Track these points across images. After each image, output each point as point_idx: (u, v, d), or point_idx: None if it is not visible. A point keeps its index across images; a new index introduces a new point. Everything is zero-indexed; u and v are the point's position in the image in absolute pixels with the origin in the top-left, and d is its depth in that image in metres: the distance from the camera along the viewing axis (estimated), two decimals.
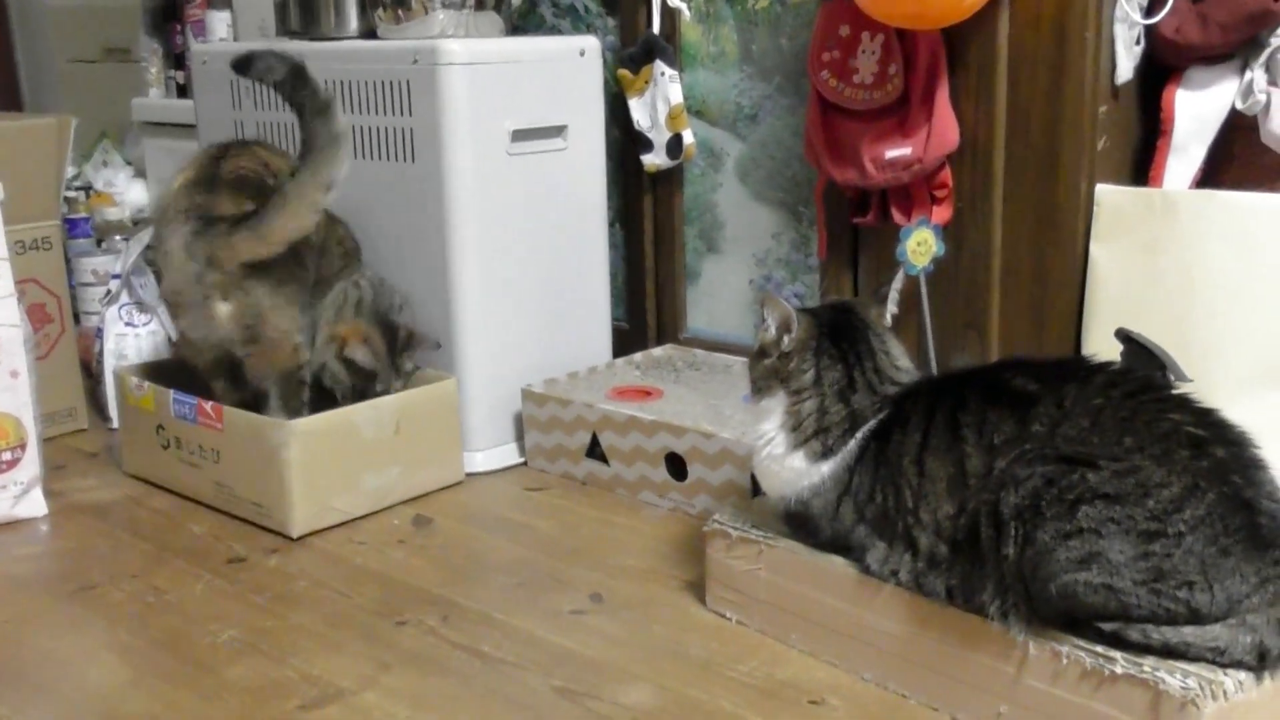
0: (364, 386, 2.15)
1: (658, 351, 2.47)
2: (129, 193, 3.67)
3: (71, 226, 3.33)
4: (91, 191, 3.67)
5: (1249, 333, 1.81)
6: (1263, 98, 1.85)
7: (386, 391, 2.14)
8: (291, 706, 1.51)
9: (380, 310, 2.19)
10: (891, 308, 1.62)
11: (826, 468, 1.53)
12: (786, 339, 1.55)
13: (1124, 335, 1.71)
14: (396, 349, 2.17)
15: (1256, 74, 1.86)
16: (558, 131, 2.31)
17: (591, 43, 2.35)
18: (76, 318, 3.24)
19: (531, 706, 1.50)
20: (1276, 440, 1.72)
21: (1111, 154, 1.95)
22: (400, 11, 2.36)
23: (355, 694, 1.54)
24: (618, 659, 1.61)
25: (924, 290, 2.01)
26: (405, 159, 2.23)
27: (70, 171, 3.82)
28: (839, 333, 1.57)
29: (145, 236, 2.93)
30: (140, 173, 3.73)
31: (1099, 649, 1.30)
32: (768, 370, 1.58)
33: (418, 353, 2.20)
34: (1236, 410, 1.36)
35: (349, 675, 1.58)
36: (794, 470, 1.55)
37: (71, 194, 3.54)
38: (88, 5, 4.34)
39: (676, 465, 2.05)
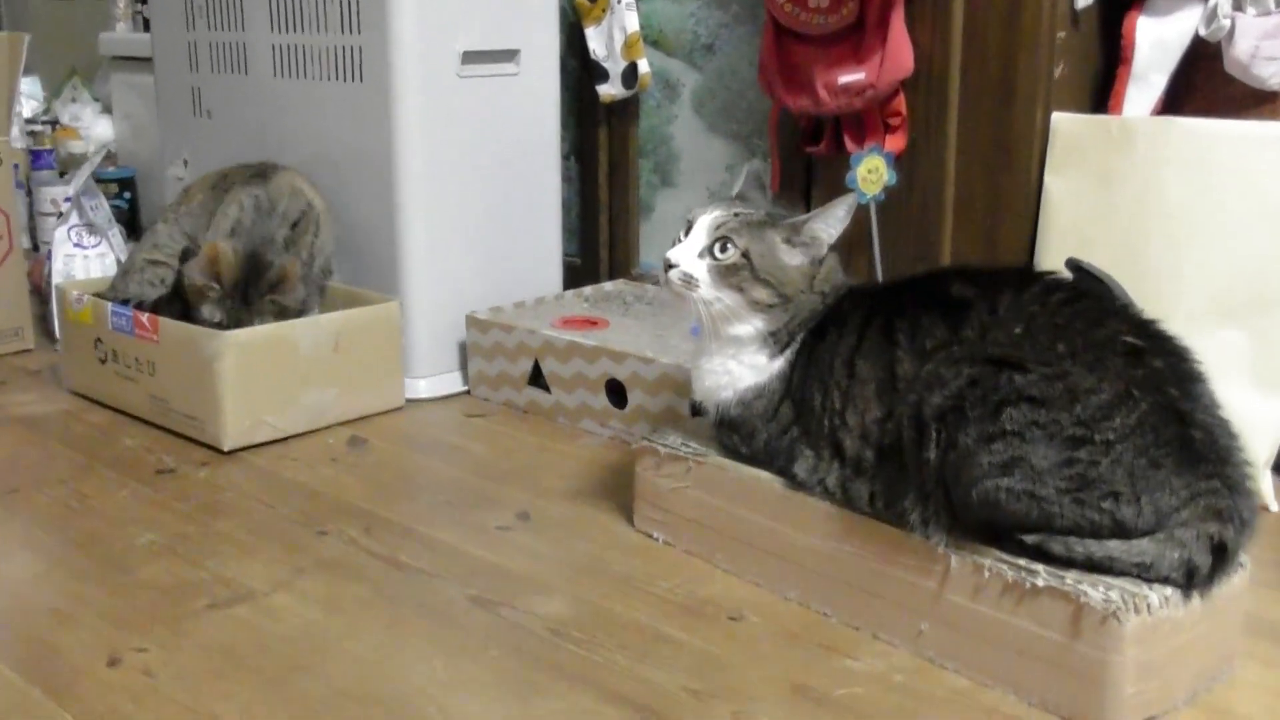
0: (199, 307, 2.03)
1: (608, 286, 2.43)
2: (94, 128, 3.63)
3: (35, 158, 3.31)
4: (58, 125, 3.63)
5: (1204, 266, 1.76)
6: (1226, 23, 1.81)
7: (224, 325, 2.00)
8: (200, 605, 1.47)
9: (254, 238, 2.10)
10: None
11: (778, 365, 1.48)
12: (826, 245, 1.49)
13: (1074, 265, 1.67)
14: (256, 282, 2.04)
15: None
16: (510, 56, 2.26)
17: None
18: (36, 246, 3.21)
19: (443, 612, 1.47)
20: (1227, 375, 1.71)
21: (1070, 82, 1.91)
22: None
23: (266, 595, 1.50)
24: (537, 572, 1.57)
25: (874, 220, 1.97)
26: (353, 79, 2.19)
27: (40, 106, 3.79)
28: None
29: (97, 159, 2.90)
30: (108, 108, 3.69)
31: (1021, 562, 1.26)
32: (804, 276, 1.48)
33: (283, 299, 2.05)
34: (1191, 346, 1.31)
35: (262, 579, 1.54)
36: (752, 367, 1.49)
37: (38, 128, 3.51)
38: None
39: (617, 393, 2.01)
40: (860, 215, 1.98)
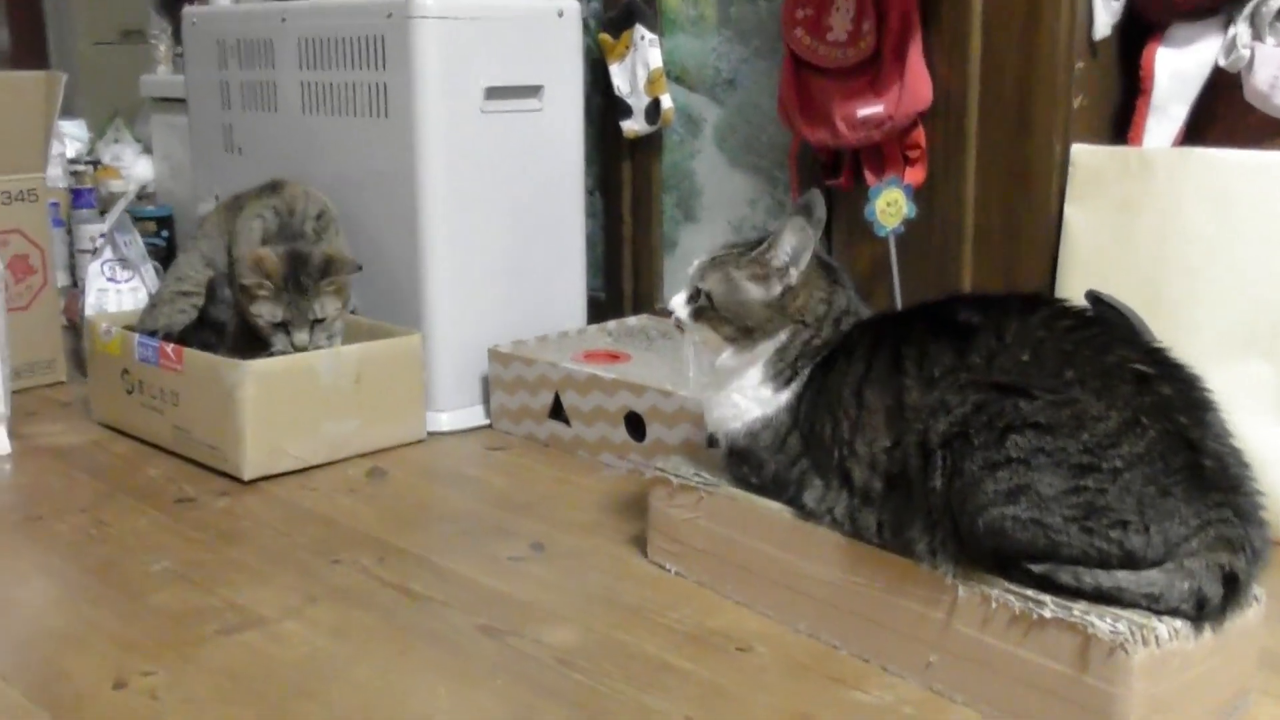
0: (256, 309, 2.06)
1: (632, 320, 2.43)
2: (135, 168, 3.69)
3: (76, 196, 3.36)
4: (99, 165, 3.69)
5: (1224, 297, 1.74)
6: (1246, 53, 1.80)
7: (288, 322, 2.06)
8: (209, 630, 1.48)
9: (286, 238, 2.13)
10: None
11: (785, 396, 1.48)
12: (794, 271, 1.47)
13: (1094, 297, 1.66)
14: (307, 270, 2.06)
15: (1240, 28, 1.80)
16: (533, 92, 2.28)
17: (570, 4, 2.32)
18: (75, 283, 3.26)
19: (450, 641, 1.46)
20: (1248, 406, 1.69)
21: (1090, 113, 1.90)
22: None
23: (276, 622, 1.50)
24: (547, 602, 1.56)
25: (893, 252, 1.96)
26: (379, 114, 2.21)
27: (84, 147, 3.86)
28: (822, 262, 1.52)
29: (130, 196, 2.94)
30: (148, 149, 3.75)
31: (1029, 593, 1.24)
32: (771, 309, 1.48)
33: (340, 276, 2.10)
34: (1210, 378, 1.29)
35: (273, 605, 1.55)
36: (757, 399, 1.49)
37: (81, 168, 3.58)
38: None
39: (636, 426, 2.01)
40: (880, 247, 1.98)
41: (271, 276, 2.03)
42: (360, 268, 2.13)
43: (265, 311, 2.05)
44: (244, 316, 2.09)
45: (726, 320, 1.49)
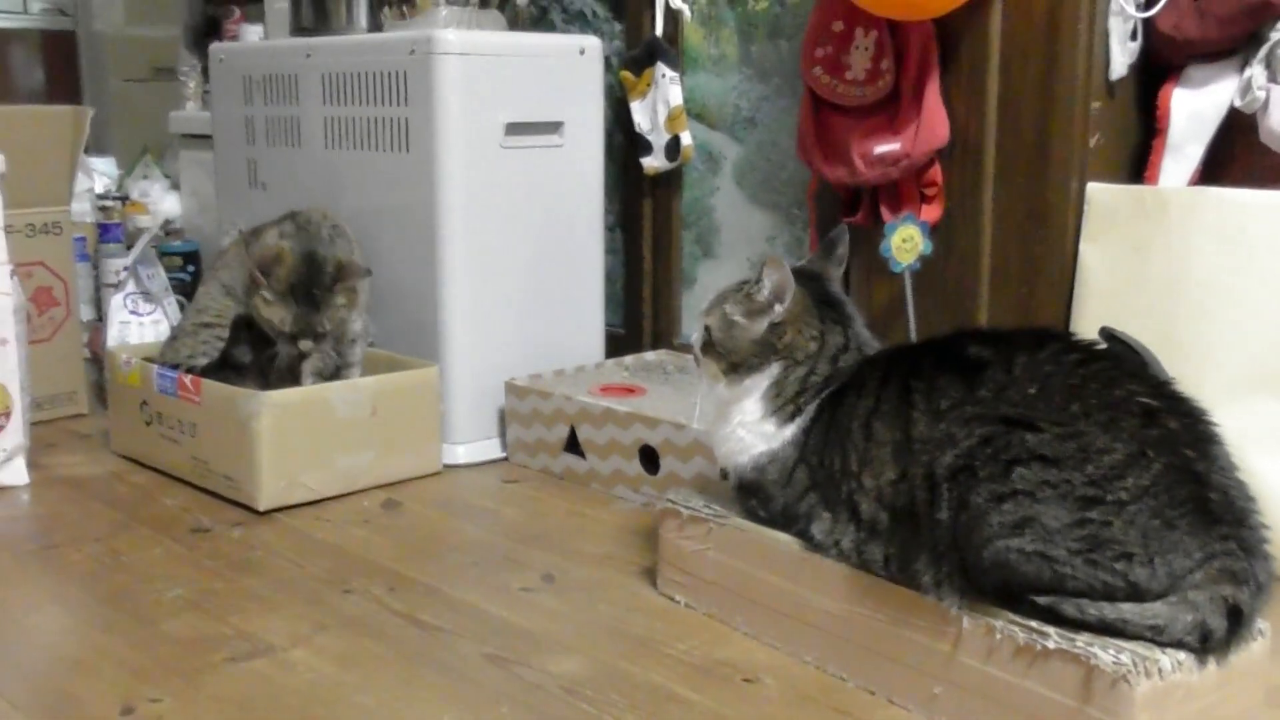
0: (262, 310, 2.09)
1: (650, 355, 2.44)
2: (162, 203, 3.74)
3: (104, 231, 3.40)
4: (127, 201, 3.74)
5: (1238, 335, 1.74)
6: (1261, 95, 1.80)
7: (294, 331, 2.08)
8: (219, 658, 1.49)
9: (304, 242, 2.14)
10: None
11: (789, 431, 1.48)
12: (778, 307, 1.49)
13: (1108, 334, 1.66)
14: (324, 283, 2.09)
15: (1256, 70, 1.81)
16: (554, 128, 2.30)
17: (592, 42, 2.35)
18: (101, 317, 3.30)
19: (458, 670, 1.46)
20: (1262, 444, 1.68)
21: (1107, 152, 1.90)
22: (405, 8, 2.38)
23: (285, 650, 1.51)
24: (556, 632, 1.56)
25: (909, 289, 1.96)
26: (400, 149, 2.24)
27: (112, 183, 3.91)
28: (825, 298, 1.54)
29: (154, 230, 2.98)
30: (176, 185, 3.80)
31: (1033, 624, 1.24)
32: (757, 345, 1.50)
33: (350, 280, 2.11)
34: (1223, 416, 1.29)
35: (283, 634, 1.55)
36: (760, 434, 1.50)
37: (109, 203, 3.62)
38: (140, 30, 4.47)
39: (650, 459, 2.02)
40: (897, 284, 1.98)
41: (273, 277, 2.05)
42: (370, 272, 2.17)
43: (274, 317, 2.07)
44: (254, 322, 2.12)
45: (721, 355, 1.53)
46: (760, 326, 1.50)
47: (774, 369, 1.50)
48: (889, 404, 1.38)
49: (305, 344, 2.08)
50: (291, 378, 2.14)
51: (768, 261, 1.48)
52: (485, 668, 1.47)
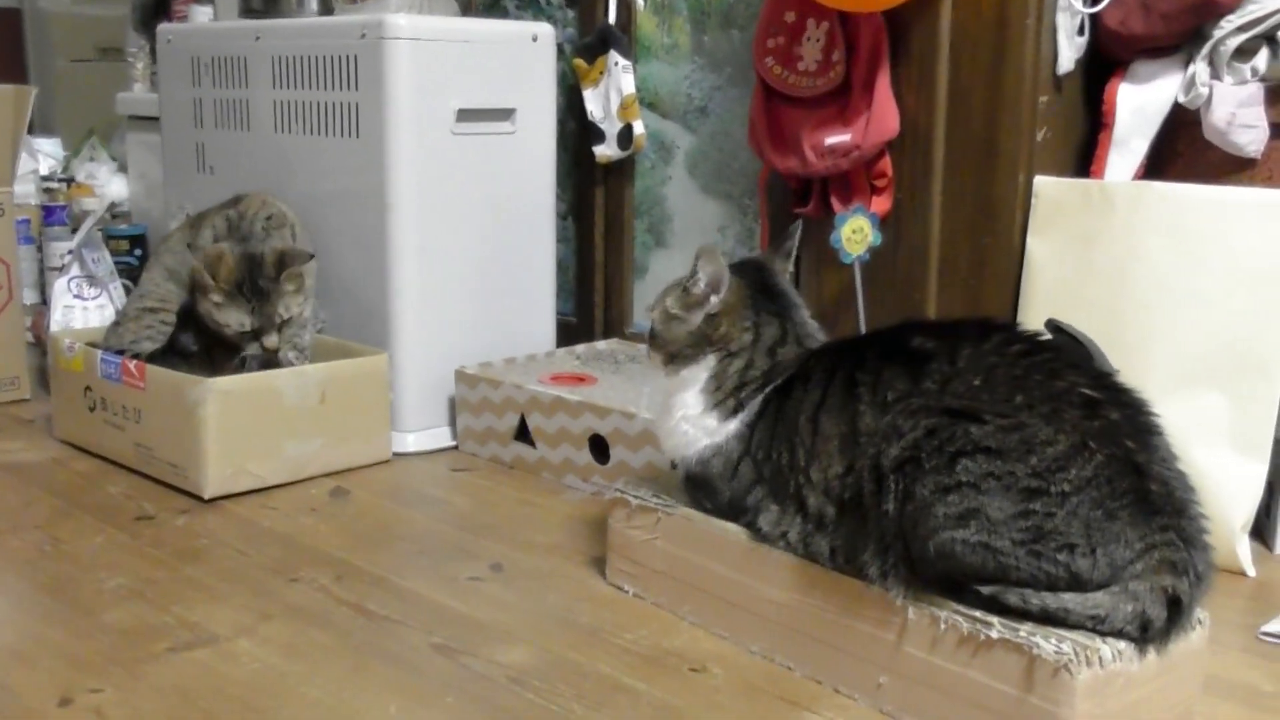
0: (212, 313, 2.06)
1: (601, 344, 2.44)
2: (109, 186, 3.69)
3: (48, 214, 3.35)
4: (73, 183, 3.69)
5: (1184, 329, 1.76)
6: (1205, 91, 1.82)
7: (252, 328, 2.06)
8: (160, 648, 1.47)
9: (238, 237, 2.14)
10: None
11: (733, 425, 1.49)
12: (714, 299, 1.50)
13: (1054, 326, 1.67)
14: (262, 273, 2.06)
15: (1199, 66, 1.83)
16: (506, 115, 2.29)
17: (545, 29, 2.34)
18: (45, 300, 3.25)
19: (404, 660, 1.46)
20: (1206, 438, 1.70)
21: (1054, 146, 1.92)
22: None
23: (229, 640, 1.50)
24: (504, 622, 1.56)
25: (859, 280, 1.97)
26: (350, 134, 2.22)
27: (58, 165, 3.86)
28: (765, 289, 1.54)
29: (100, 213, 2.94)
30: (123, 167, 3.74)
31: (977, 614, 1.25)
32: (693, 336, 1.51)
33: (295, 267, 2.09)
34: (1166, 408, 1.31)
35: (227, 624, 1.54)
36: (703, 428, 1.51)
37: (54, 185, 3.57)
38: (87, 9, 4.41)
39: (600, 448, 2.01)
40: (847, 275, 1.99)
41: (218, 278, 2.03)
42: (313, 255, 2.15)
43: (232, 320, 2.05)
44: (203, 323, 2.09)
45: (658, 346, 1.54)
46: (697, 318, 1.51)
47: (710, 360, 1.51)
48: (835, 397, 1.39)
49: (270, 340, 2.07)
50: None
51: (701, 253, 1.49)
52: (432, 657, 1.46)
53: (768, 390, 1.48)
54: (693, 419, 1.52)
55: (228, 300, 2.04)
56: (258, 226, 2.16)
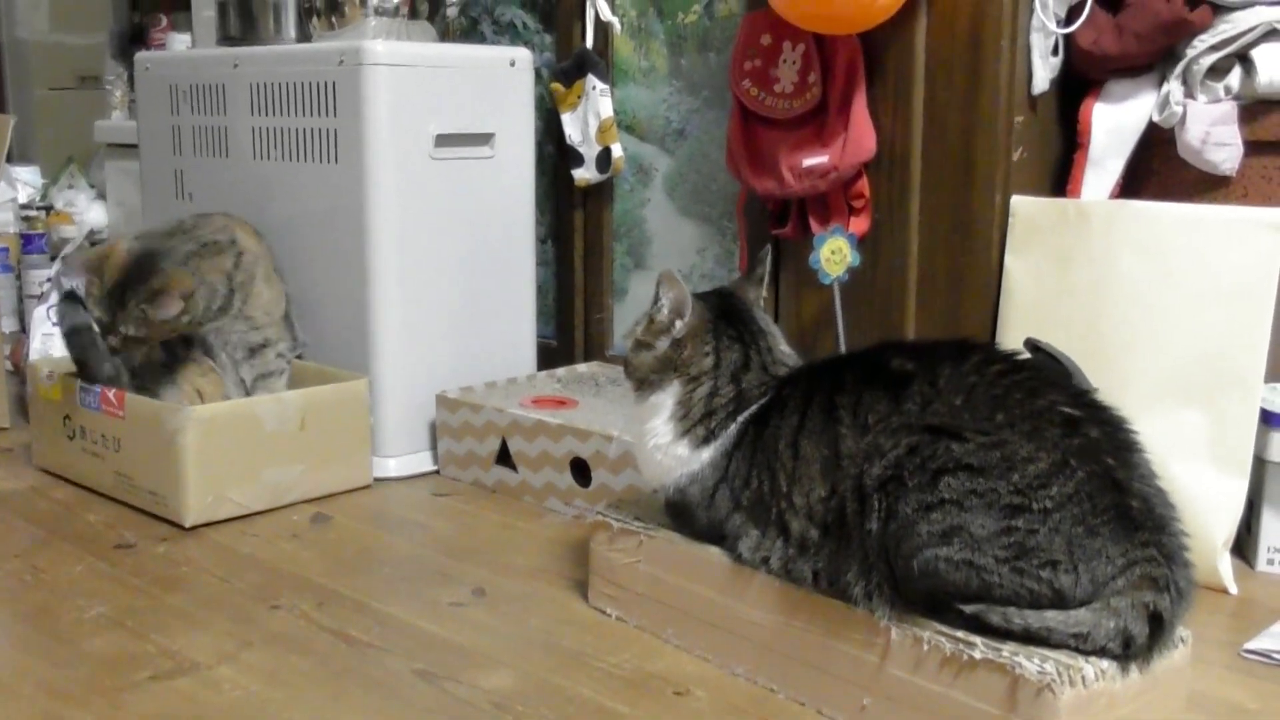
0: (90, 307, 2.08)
1: (582, 367, 2.44)
2: (88, 213, 3.68)
3: (27, 242, 3.35)
4: (51, 210, 3.68)
5: (1161, 346, 1.77)
6: (1179, 110, 1.84)
7: (102, 325, 2.06)
8: (142, 677, 1.46)
9: (154, 243, 2.12)
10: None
11: (707, 454, 1.49)
12: (679, 324, 1.50)
13: (1032, 345, 1.68)
14: (136, 287, 2.03)
15: (1173, 85, 1.84)
16: (484, 140, 2.29)
17: (523, 54, 2.34)
18: (24, 329, 3.24)
19: (387, 686, 1.45)
20: (1185, 455, 1.71)
21: (1030, 166, 1.93)
22: (334, 19, 2.36)
23: (210, 668, 1.49)
24: (486, 647, 1.56)
25: (838, 301, 1.98)
26: (329, 160, 2.22)
27: (37, 193, 3.85)
28: (729, 315, 1.54)
29: (79, 241, 2.93)
30: (102, 195, 3.74)
31: (960, 634, 1.25)
32: (659, 362, 1.52)
33: (162, 313, 2.03)
34: (1144, 425, 1.31)
35: (208, 651, 1.53)
36: (676, 458, 1.50)
37: (33, 213, 3.56)
38: (65, 38, 4.40)
39: (582, 472, 2.01)
40: (826, 296, 2.00)
41: (102, 277, 2.04)
42: (189, 294, 2.06)
43: (95, 310, 2.06)
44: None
45: (631, 374, 1.56)
46: (664, 344, 1.51)
47: (675, 387, 1.51)
48: (815, 421, 1.39)
49: (112, 340, 2.06)
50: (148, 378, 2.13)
51: (663, 278, 1.50)
52: (415, 683, 1.46)
53: (742, 418, 1.48)
54: (664, 448, 1.51)
55: (101, 294, 2.05)
56: (184, 249, 2.12)
